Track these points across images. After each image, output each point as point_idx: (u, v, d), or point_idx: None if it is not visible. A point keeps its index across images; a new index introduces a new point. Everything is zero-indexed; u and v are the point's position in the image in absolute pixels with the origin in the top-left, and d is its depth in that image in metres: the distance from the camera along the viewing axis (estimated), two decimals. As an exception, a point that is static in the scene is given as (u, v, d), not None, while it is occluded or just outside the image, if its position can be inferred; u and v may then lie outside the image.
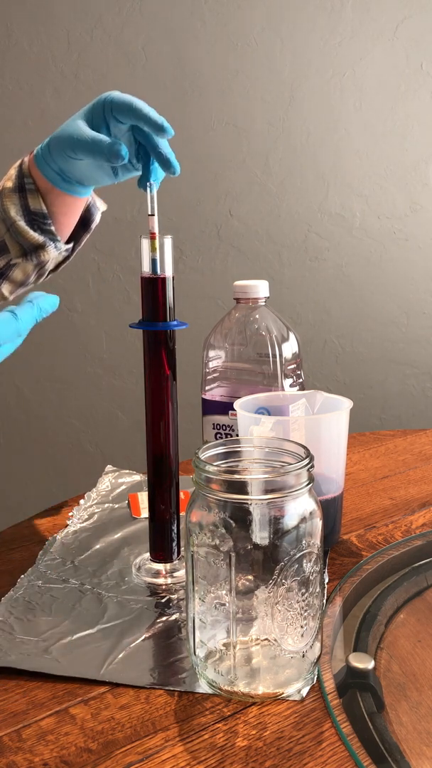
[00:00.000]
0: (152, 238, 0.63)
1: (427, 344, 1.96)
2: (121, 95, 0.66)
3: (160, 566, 0.69)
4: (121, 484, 0.93)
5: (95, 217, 0.78)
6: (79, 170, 0.68)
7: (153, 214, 0.63)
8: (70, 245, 0.76)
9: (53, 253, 0.73)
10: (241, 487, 0.50)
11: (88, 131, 0.65)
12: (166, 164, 0.65)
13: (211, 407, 0.87)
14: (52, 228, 0.72)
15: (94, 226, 0.79)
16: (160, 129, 0.64)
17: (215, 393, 0.87)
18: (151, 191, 0.64)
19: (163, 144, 0.66)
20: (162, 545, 0.69)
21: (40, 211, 0.70)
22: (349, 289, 1.90)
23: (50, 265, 0.76)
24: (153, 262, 0.64)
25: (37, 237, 0.71)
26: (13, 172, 0.71)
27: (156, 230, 0.63)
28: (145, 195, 0.64)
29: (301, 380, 0.88)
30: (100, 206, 0.79)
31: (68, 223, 0.74)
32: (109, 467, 0.98)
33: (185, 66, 1.70)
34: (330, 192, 1.84)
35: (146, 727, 0.49)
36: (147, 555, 0.71)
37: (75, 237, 0.77)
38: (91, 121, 0.66)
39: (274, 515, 0.49)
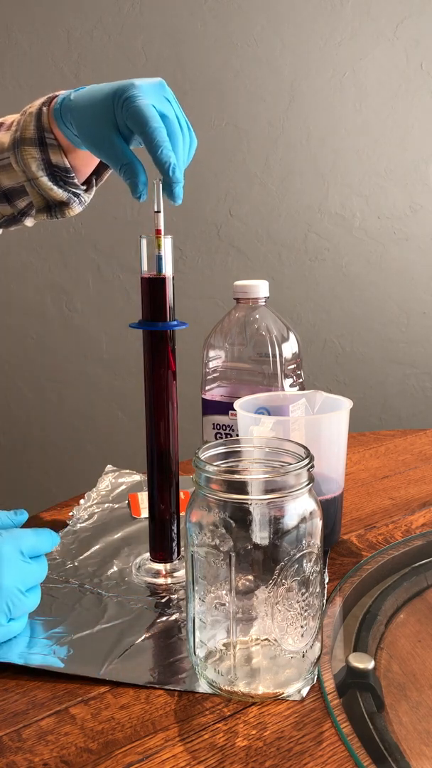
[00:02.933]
0: (158, 235, 0.63)
1: (427, 344, 1.96)
2: (138, 108, 0.61)
3: (160, 566, 0.69)
4: (121, 484, 0.93)
5: None
6: None
7: (159, 211, 0.63)
8: (92, 193, 0.74)
9: (77, 209, 0.72)
10: (241, 487, 0.50)
11: (116, 146, 0.62)
12: (167, 191, 0.62)
13: (211, 407, 0.87)
14: (75, 180, 0.70)
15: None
16: (165, 174, 0.61)
17: (215, 393, 0.87)
18: (157, 189, 0.64)
19: (174, 176, 0.62)
20: (162, 545, 0.69)
21: (62, 165, 0.68)
22: (349, 289, 1.90)
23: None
24: (158, 259, 0.64)
25: (61, 194, 0.69)
26: (30, 121, 0.68)
27: (162, 227, 0.63)
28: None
29: (301, 380, 0.88)
30: None
31: (90, 168, 0.72)
32: (109, 467, 0.98)
33: (185, 66, 1.70)
34: (330, 192, 1.84)
35: (146, 727, 0.49)
36: (147, 555, 0.71)
37: (97, 172, 0.74)
38: (114, 120, 0.63)
39: (274, 515, 0.49)
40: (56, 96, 0.68)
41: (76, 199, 0.71)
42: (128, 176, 0.63)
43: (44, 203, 0.71)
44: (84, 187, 0.72)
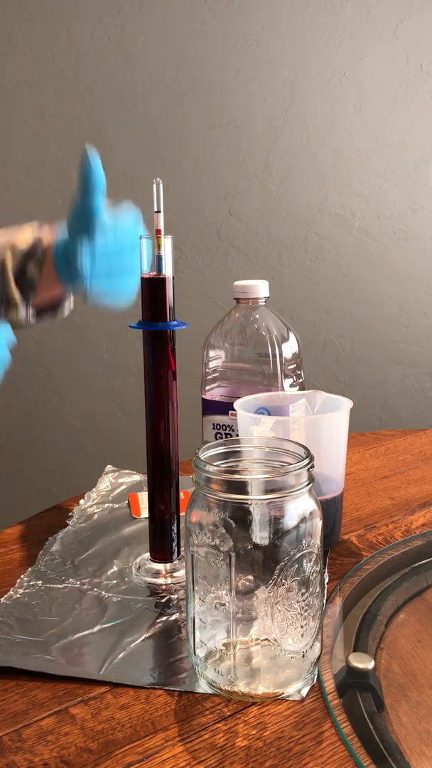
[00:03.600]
0: (158, 235, 0.63)
1: (427, 344, 1.96)
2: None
3: (160, 566, 0.69)
4: (121, 484, 0.93)
5: (63, 311, 0.80)
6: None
7: (159, 211, 0.63)
8: (33, 321, 0.78)
9: (21, 316, 0.76)
10: (241, 487, 0.50)
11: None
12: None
13: (211, 407, 0.87)
14: (31, 300, 0.75)
15: (58, 317, 0.81)
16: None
17: (215, 393, 0.87)
18: (157, 189, 0.64)
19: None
20: (162, 545, 0.69)
21: (33, 281, 0.74)
22: (349, 289, 1.90)
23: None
24: (158, 259, 0.64)
25: (16, 295, 0.74)
26: (29, 238, 0.74)
27: (162, 227, 0.63)
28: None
29: (301, 380, 0.88)
30: (68, 307, 0.81)
31: (42, 302, 0.77)
32: (109, 467, 0.98)
33: (185, 66, 1.70)
34: (330, 192, 1.84)
35: (146, 727, 0.49)
36: (147, 555, 0.71)
37: (39, 314, 0.79)
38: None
39: (274, 515, 0.49)
40: (54, 229, 0.75)
41: (24, 308, 0.75)
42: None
43: None
44: (31, 308, 0.76)
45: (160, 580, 0.68)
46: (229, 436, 0.85)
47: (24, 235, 0.75)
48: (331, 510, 0.73)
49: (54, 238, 0.74)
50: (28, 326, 0.78)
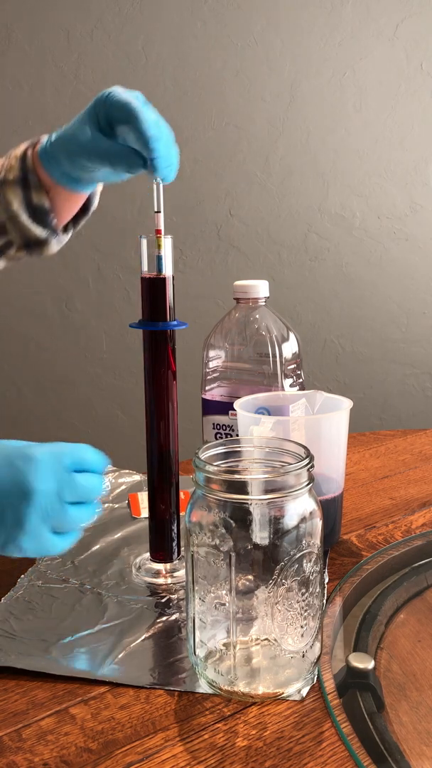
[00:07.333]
0: (158, 235, 0.63)
1: (427, 344, 1.96)
2: (119, 95, 0.62)
3: (160, 566, 0.69)
4: (121, 484, 0.93)
5: (94, 202, 0.77)
6: (89, 174, 0.67)
7: (159, 211, 0.63)
8: (69, 233, 0.75)
9: (54, 248, 0.73)
10: (241, 487, 0.50)
11: (101, 142, 0.63)
12: (154, 171, 0.62)
13: (211, 407, 0.87)
14: (54, 223, 0.71)
15: (92, 209, 0.77)
16: (145, 145, 0.61)
17: (215, 393, 0.87)
18: (157, 189, 0.64)
19: (159, 149, 0.62)
20: (162, 545, 0.69)
21: (43, 207, 0.69)
22: (349, 289, 1.90)
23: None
24: (158, 259, 0.64)
25: (39, 233, 0.70)
26: (15, 164, 0.69)
27: (162, 227, 0.63)
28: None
29: (301, 380, 0.88)
30: (98, 190, 0.77)
31: (70, 214, 0.74)
32: (109, 467, 0.98)
33: (185, 66, 1.70)
34: (330, 192, 1.84)
35: (146, 727, 0.49)
36: (147, 555, 0.71)
37: (74, 219, 0.76)
38: (97, 123, 0.64)
39: (274, 515, 0.49)
40: (40, 140, 0.70)
41: (54, 238, 0.72)
42: (128, 165, 0.62)
43: (23, 241, 0.72)
44: (62, 230, 0.73)
45: (160, 580, 0.68)
46: (229, 436, 0.85)
47: (8, 165, 0.70)
48: (331, 510, 0.73)
49: (36, 149, 0.69)
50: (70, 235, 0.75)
